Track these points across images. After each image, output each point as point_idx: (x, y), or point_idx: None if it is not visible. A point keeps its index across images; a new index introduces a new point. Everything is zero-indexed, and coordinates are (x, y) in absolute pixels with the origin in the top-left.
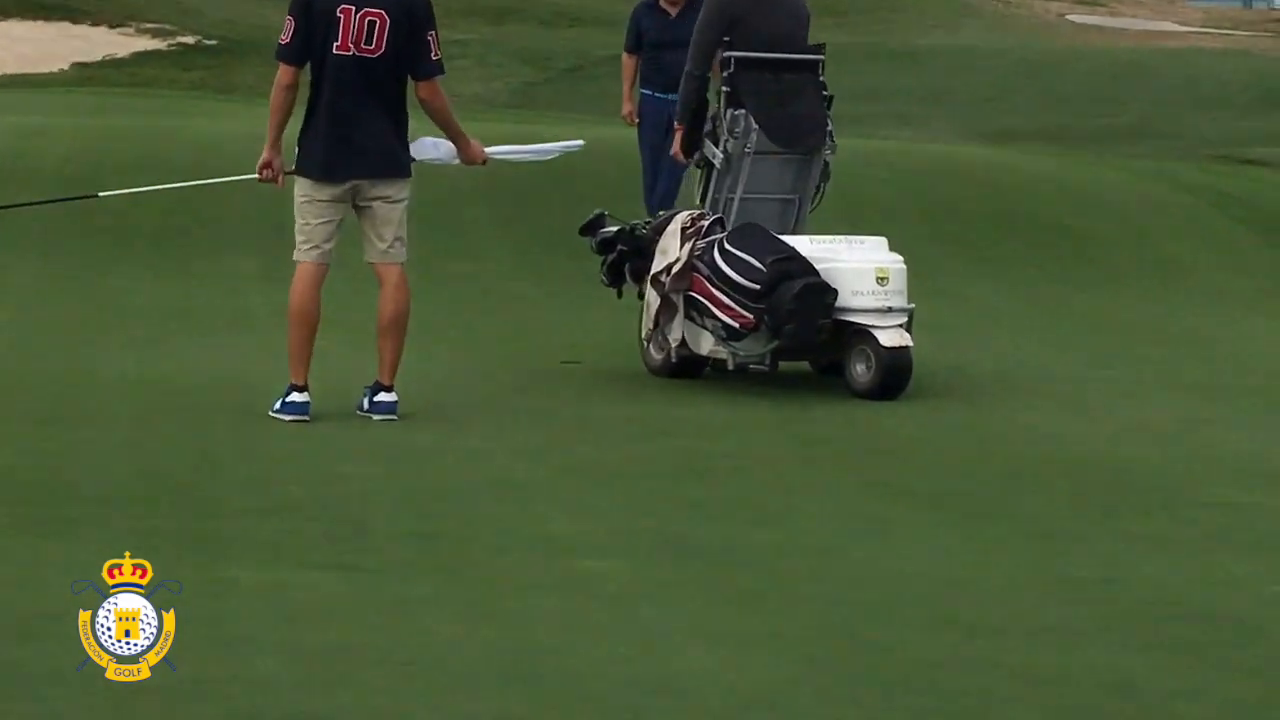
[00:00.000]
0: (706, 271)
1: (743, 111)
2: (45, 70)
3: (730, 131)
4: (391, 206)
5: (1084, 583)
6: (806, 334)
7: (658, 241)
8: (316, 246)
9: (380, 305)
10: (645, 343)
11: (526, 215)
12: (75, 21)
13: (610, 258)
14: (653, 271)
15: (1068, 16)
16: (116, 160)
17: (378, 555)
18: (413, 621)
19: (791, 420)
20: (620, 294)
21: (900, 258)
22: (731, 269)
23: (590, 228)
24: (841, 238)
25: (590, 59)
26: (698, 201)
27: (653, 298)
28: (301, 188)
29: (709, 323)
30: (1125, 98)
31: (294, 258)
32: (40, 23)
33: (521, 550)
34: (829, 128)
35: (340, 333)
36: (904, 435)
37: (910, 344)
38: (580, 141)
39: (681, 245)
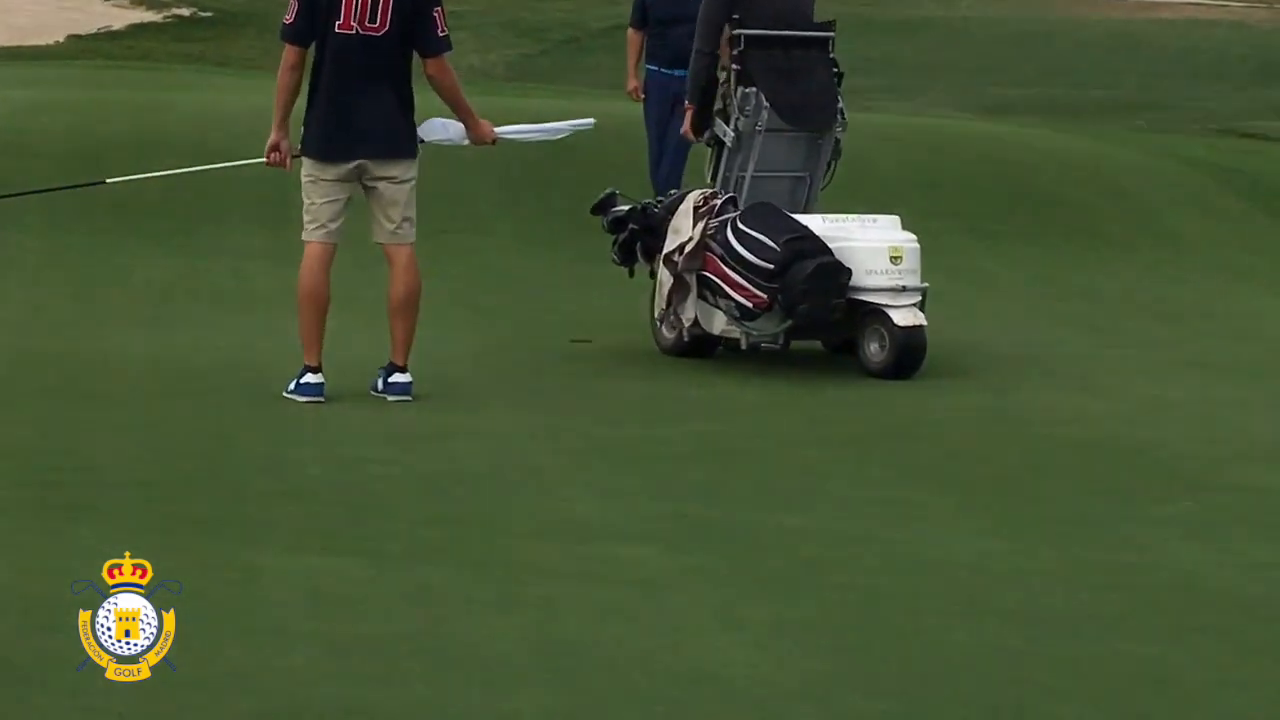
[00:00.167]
0: (720, 251)
1: (753, 89)
2: (40, 42)
3: (741, 109)
4: (398, 187)
5: (1113, 568)
6: (820, 313)
7: (670, 220)
8: (323, 226)
9: (391, 286)
10: (658, 322)
11: (529, 191)
12: None
13: (622, 237)
14: (665, 251)
15: None
16: (118, 135)
17: (403, 541)
18: (444, 611)
19: (806, 400)
20: (632, 273)
21: (914, 236)
22: (745, 248)
23: (602, 207)
24: (854, 216)
25: (587, 31)
26: (709, 180)
27: (665, 277)
28: (307, 167)
29: (722, 302)
30: (1121, 69)
31: (302, 238)
32: None
33: (547, 536)
34: (840, 105)
35: (350, 311)
36: (921, 416)
37: (924, 323)
38: (591, 120)
39: (694, 224)
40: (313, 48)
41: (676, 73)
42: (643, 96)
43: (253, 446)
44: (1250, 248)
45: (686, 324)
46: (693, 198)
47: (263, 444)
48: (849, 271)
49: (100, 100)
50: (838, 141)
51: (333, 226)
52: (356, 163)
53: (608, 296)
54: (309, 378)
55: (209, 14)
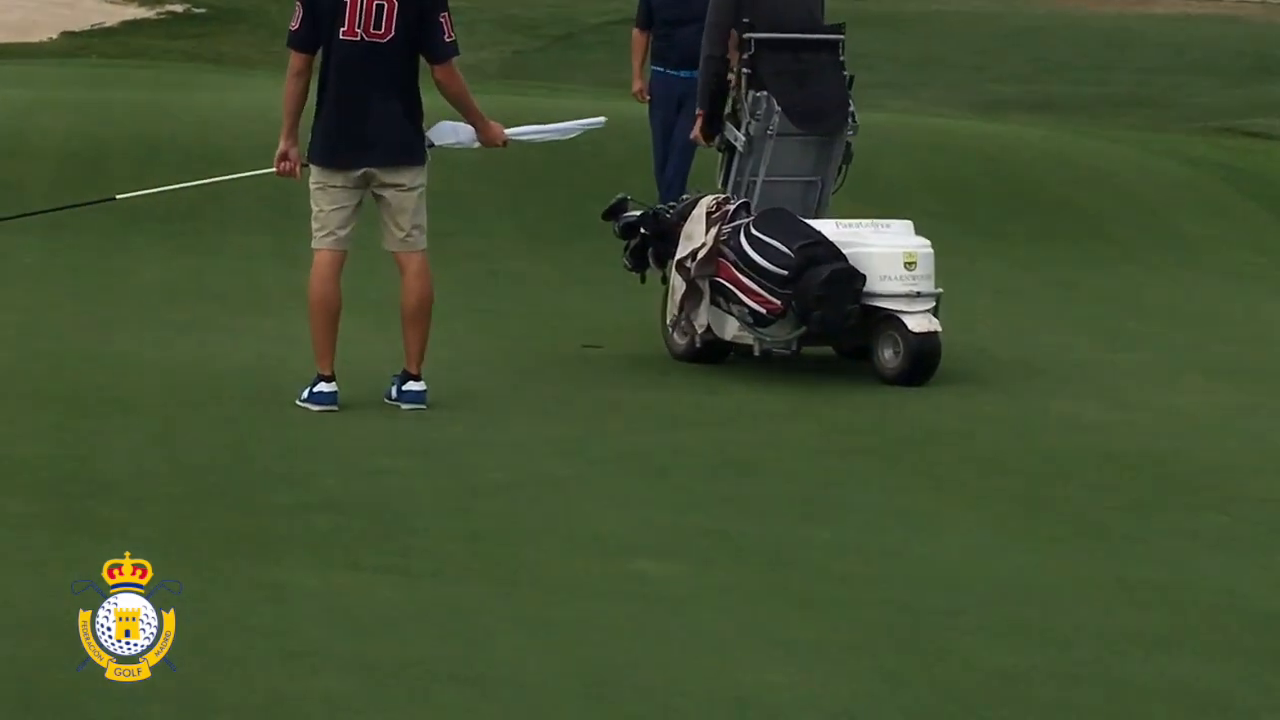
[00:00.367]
0: (733, 257)
1: (764, 93)
2: (34, 40)
3: (752, 114)
4: (406, 194)
5: (1149, 586)
6: (835, 320)
7: (682, 226)
8: (332, 233)
9: (403, 295)
10: (669, 328)
11: (531, 192)
12: None
13: (634, 242)
14: (678, 257)
15: None
16: (120, 136)
17: (429, 558)
18: (476, 632)
19: (822, 408)
20: (644, 279)
21: (927, 242)
22: (759, 254)
23: (613, 212)
24: (868, 222)
25: (581, 26)
26: (719, 185)
27: (678, 283)
28: (314, 175)
29: (735, 308)
30: (1116, 65)
31: (311, 245)
32: None
33: (575, 551)
34: (851, 108)
35: (360, 315)
36: (938, 424)
37: (939, 329)
38: (602, 119)
39: (707, 230)
40: (320, 54)
41: (682, 74)
42: (648, 98)
43: (269, 458)
44: (1257, 249)
45: (699, 330)
46: (705, 203)
47: (279, 455)
48: (863, 277)
49: (100, 100)
50: (849, 145)
51: (341, 234)
52: (363, 170)
53: (615, 299)
54: (322, 386)
55: (202, 10)
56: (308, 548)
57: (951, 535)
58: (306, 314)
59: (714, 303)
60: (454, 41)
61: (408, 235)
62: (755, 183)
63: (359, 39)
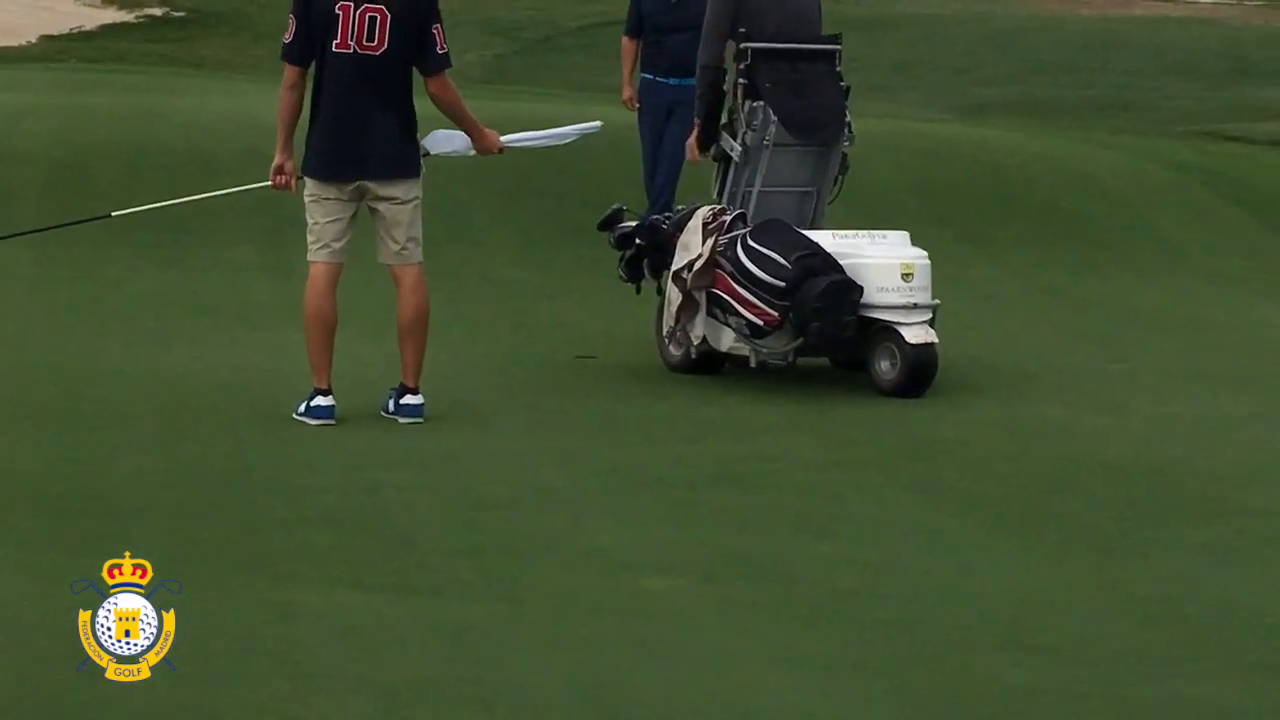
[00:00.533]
0: (730, 268)
1: (761, 103)
2: (13, 44)
3: (748, 124)
4: (400, 207)
5: (1153, 600)
6: (832, 331)
7: (678, 237)
8: (327, 246)
9: (399, 308)
10: (665, 339)
11: (522, 200)
12: None
13: (629, 253)
14: (674, 268)
15: None
16: (106, 142)
17: (432, 574)
18: (485, 651)
19: (820, 420)
20: (639, 290)
21: (924, 253)
22: (756, 265)
23: (608, 223)
24: (864, 233)
25: (561, 29)
26: (715, 196)
27: (674, 294)
28: (309, 187)
29: (732, 320)
30: (1096, 68)
31: (307, 258)
32: None
33: (578, 568)
34: (847, 119)
35: (355, 327)
36: (935, 435)
37: (935, 340)
38: (598, 123)
39: (703, 241)
40: (314, 67)
41: (671, 81)
42: (638, 106)
43: (268, 472)
44: (1242, 254)
45: (695, 341)
46: (701, 214)
47: (278, 469)
48: (861, 289)
49: (85, 105)
50: (845, 155)
51: (336, 246)
52: (358, 183)
53: (608, 308)
54: (319, 400)
55: (181, 14)
56: (310, 564)
57: (952, 548)
58: (301, 327)
59: (710, 314)
60: (447, 53)
61: (403, 248)
62: (751, 193)
63: (352, 51)
